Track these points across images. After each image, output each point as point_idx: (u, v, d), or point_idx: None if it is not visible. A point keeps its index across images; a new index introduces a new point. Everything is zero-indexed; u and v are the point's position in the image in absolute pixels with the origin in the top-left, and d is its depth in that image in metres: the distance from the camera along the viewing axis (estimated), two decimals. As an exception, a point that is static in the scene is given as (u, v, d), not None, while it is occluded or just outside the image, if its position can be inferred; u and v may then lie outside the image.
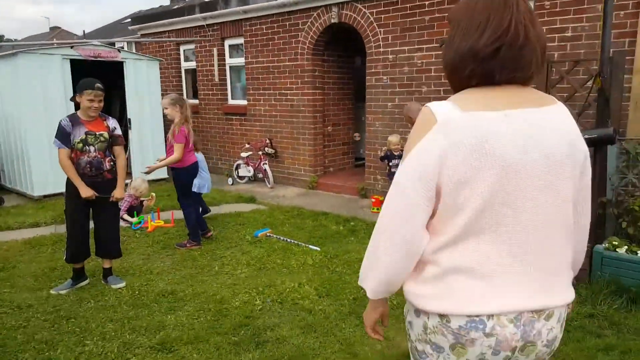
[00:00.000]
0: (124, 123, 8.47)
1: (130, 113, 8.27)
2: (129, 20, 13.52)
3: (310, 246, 5.05)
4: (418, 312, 1.34)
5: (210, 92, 9.71)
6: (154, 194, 6.47)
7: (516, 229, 1.23)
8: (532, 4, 5.38)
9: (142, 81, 8.32)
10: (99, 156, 3.90)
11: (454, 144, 1.19)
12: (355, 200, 7.32)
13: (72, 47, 7.42)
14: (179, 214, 6.25)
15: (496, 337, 1.24)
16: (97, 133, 3.89)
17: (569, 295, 1.34)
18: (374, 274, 1.36)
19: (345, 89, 8.64)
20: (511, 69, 1.23)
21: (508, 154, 1.19)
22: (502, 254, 1.24)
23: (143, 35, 11.11)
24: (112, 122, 4.02)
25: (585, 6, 5.10)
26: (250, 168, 8.49)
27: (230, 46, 9.33)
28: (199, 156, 5.79)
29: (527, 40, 1.22)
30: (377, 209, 6.50)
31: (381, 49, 6.85)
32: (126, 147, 8.96)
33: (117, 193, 3.99)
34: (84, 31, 15.16)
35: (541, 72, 1.36)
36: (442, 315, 1.27)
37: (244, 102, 9.16)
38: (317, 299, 3.82)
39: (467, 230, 1.23)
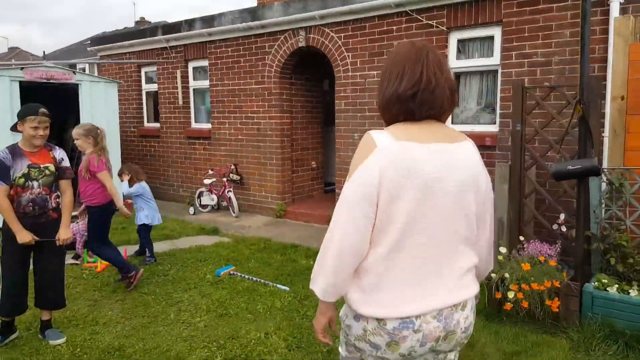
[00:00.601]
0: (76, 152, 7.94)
1: (85, 139, 7.74)
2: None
3: (278, 286, 4.66)
4: (358, 317, 1.58)
5: (173, 115, 9.27)
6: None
7: (432, 241, 1.52)
8: (499, 31, 5.25)
9: (99, 104, 7.82)
10: (43, 192, 3.42)
11: (389, 166, 1.46)
12: (325, 229, 6.90)
13: (21, 68, 6.90)
14: (131, 250, 5.79)
15: (422, 332, 1.52)
16: (41, 166, 3.42)
17: (476, 288, 1.65)
18: (323, 278, 1.58)
19: (314, 113, 8.36)
20: (427, 108, 1.54)
21: (428, 177, 1.48)
22: (425, 262, 1.52)
23: (103, 57, 10.61)
24: (59, 153, 3.55)
25: (552, 31, 4.97)
26: (214, 196, 8.04)
27: (194, 68, 8.95)
28: (144, 185, 5.48)
29: (437, 84, 1.53)
30: (349, 240, 6.16)
31: (349, 73, 6.60)
32: (75, 181, 8.42)
33: (61, 234, 3.48)
34: (44, 52, 14.46)
35: (454, 108, 1.65)
36: (379, 320, 1.52)
37: (208, 126, 8.76)
38: (287, 352, 3.42)
39: (397, 242, 1.49)
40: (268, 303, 4.27)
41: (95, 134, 4.60)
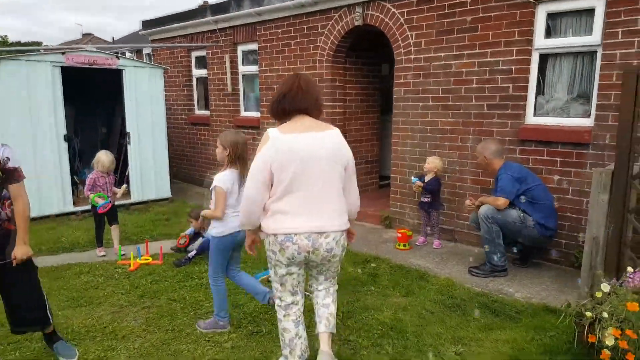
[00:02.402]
0: (124, 136, 7.67)
1: (129, 126, 7.44)
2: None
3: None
4: (265, 234, 2.69)
5: (222, 103, 8.84)
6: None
7: (308, 191, 2.60)
8: (602, 1, 4.28)
9: (143, 91, 7.48)
10: None
11: (278, 150, 2.57)
12: (377, 230, 6.28)
13: (62, 53, 6.63)
14: (167, 248, 5.37)
15: (298, 245, 2.61)
16: None
17: (341, 225, 2.71)
18: (241, 218, 2.78)
19: (370, 101, 7.63)
20: (293, 105, 2.66)
21: (303, 154, 2.57)
22: (301, 203, 2.61)
23: (154, 41, 10.36)
24: (5, 152, 2.86)
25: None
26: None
27: (244, 52, 8.44)
28: None
29: (301, 92, 2.66)
30: (404, 245, 5.45)
31: (412, 56, 5.82)
32: (124, 164, 8.31)
33: (17, 252, 2.85)
34: (113, 38, 14.55)
35: (319, 110, 2.74)
36: (274, 235, 2.63)
37: (257, 115, 8.25)
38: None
39: (284, 192, 2.60)
40: (307, 318, 3.67)
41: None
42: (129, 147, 7.47)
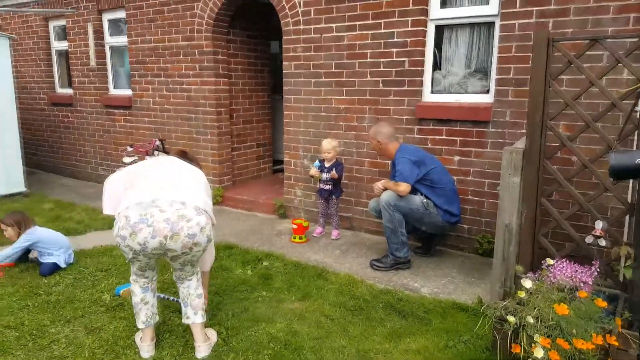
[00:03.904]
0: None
1: (-38, 107, 6.03)
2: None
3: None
4: (115, 219, 2.61)
5: (87, 79, 7.59)
6: None
7: (165, 175, 2.77)
8: None
9: (-19, 64, 6.09)
10: None
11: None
12: (271, 221, 5.67)
13: None
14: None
15: (153, 227, 2.45)
16: None
17: (203, 205, 2.66)
18: (104, 206, 2.79)
19: (259, 78, 6.92)
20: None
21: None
22: (145, 196, 2.56)
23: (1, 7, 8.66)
24: None
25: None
26: (136, 179, 6.55)
27: (110, 21, 7.25)
28: (35, 232, 4.20)
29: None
30: (300, 238, 4.90)
31: (301, 27, 5.21)
32: None
33: None
34: None
35: None
36: (126, 216, 2.50)
37: (129, 93, 7.16)
38: None
39: (133, 185, 2.67)
40: (178, 343, 2.96)
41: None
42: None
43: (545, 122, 2.84)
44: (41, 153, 8.78)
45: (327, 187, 4.91)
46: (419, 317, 3.31)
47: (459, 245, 4.57)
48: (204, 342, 2.84)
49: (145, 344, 2.85)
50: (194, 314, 2.83)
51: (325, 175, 4.86)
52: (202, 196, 2.70)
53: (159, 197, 2.54)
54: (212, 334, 3.01)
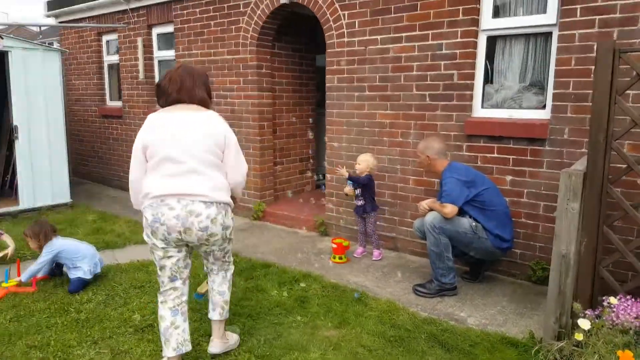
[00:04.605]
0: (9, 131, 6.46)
1: (17, 119, 6.25)
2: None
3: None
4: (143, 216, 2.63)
5: (136, 92, 7.76)
6: (10, 244, 4.48)
7: (179, 169, 2.56)
8: None
9: (36, 77, 6.30)
10: None
11: (150, 126, 2.62)
12: (312, 239, 5.51)
13: None
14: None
15: (167, 225, 2.51)
16: None
17: (212, 195, 2.56)
18: (133, 200, 2.79)
19: (304, 92, 6.83)
20: (174, 96, 2.65)
21: (174, 129, 2.56)
22: (167, 181, 2.54)
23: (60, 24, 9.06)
24: None
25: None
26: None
27: (159, 35, 7.40)
28: (56, 243, 4.14)
29: (176, 83, 2.65)
30: (339, 258, 4.71)
31: (345, 39, 5.07)
32: (9, 163, 7.08)
33: None
34: (39, 27, 12.64)
35: (195, 99, 2.68)
36: (145, 217, 2.59)
37: (175, 106, 7.23)
38: None
39: (154, 166, 2.58)
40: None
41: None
42: (16, 143, 6.27)
43: (610, 142, 2.54)
44: (91, 164, 9.04)
45: (359, 202, 4.72)
46: (465, 352, 3.04)
47: (510, 272, 4.24)
48: (219, 338, 2.91)
49: None
50: (212, 310, 2.91)
51: (357, 191, 4.68)
52: (213, 180, 2.58)
53: (168, 192, 2.52)
54: (232, 337, 3.04)
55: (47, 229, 4.09)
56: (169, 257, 2.62)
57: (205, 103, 2.71)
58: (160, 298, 2.72)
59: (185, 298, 2.75)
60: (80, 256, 4.03)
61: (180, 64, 2.87)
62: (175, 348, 2.64)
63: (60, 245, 4.06)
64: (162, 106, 2.70)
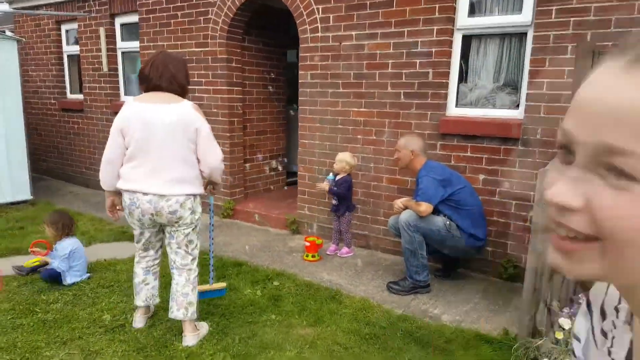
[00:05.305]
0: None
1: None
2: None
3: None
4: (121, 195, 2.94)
5: (98, 85, 7.46)
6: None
7: (147, 159, 2.75)
8: None
9: (-10, 67, 5.97)
10: None
11: (125, 115, 2.76)
12: (283, 237, 5.42)
13: None
14: (7, 268, 4.10)
15: (141, 208, 2.80)
16: None
17: (179, 191, 2.80)
18: (100, 176, 2.89)
19: (274, 87, 6.73)
20: (154, 82, 2.79)
21: (147, 118, 2.72)
22: (140, 170, 2.78)
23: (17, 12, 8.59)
24: None
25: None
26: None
27: (123, 25, 7.13)
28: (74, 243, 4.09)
29: (156, 73, 2.79)
30: (312, 256, 4.64)
31: (319, 34, 5.01)
32: None
33: None
34: None
35: (172, 87, 2.83)
36: (123, 200, 2.90)
37: (141, 100, 6.98)
38: None
39: (129, 158, 2.78)
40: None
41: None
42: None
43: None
44: (51, 160, 8.65)
45: (334, 201, 4.69)
46: (440, 348, 3.04)
47: (482, 269, 4.28)
48: (191, 332, 3.02)
49: (137, 315, 3.19)
50: (177, 310, 3.00)
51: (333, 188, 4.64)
52: (182, 174, 2.82)
53: (138, 189, 2.80)
54: (202, 326, 3.16)
55: (66, 221, 4.09)
56: (142, 233, 3.01)
57: (184, 90, 2.91)
58: (136, 258, 3.13)
59: (157, 261, 3.18)
60: (79, 264, 3.98)
61: (160, 50, 3.07)
62: (144, 300, 3.16)
63: (71, 245, 3.98)
64: (144, 92, 2.87)
